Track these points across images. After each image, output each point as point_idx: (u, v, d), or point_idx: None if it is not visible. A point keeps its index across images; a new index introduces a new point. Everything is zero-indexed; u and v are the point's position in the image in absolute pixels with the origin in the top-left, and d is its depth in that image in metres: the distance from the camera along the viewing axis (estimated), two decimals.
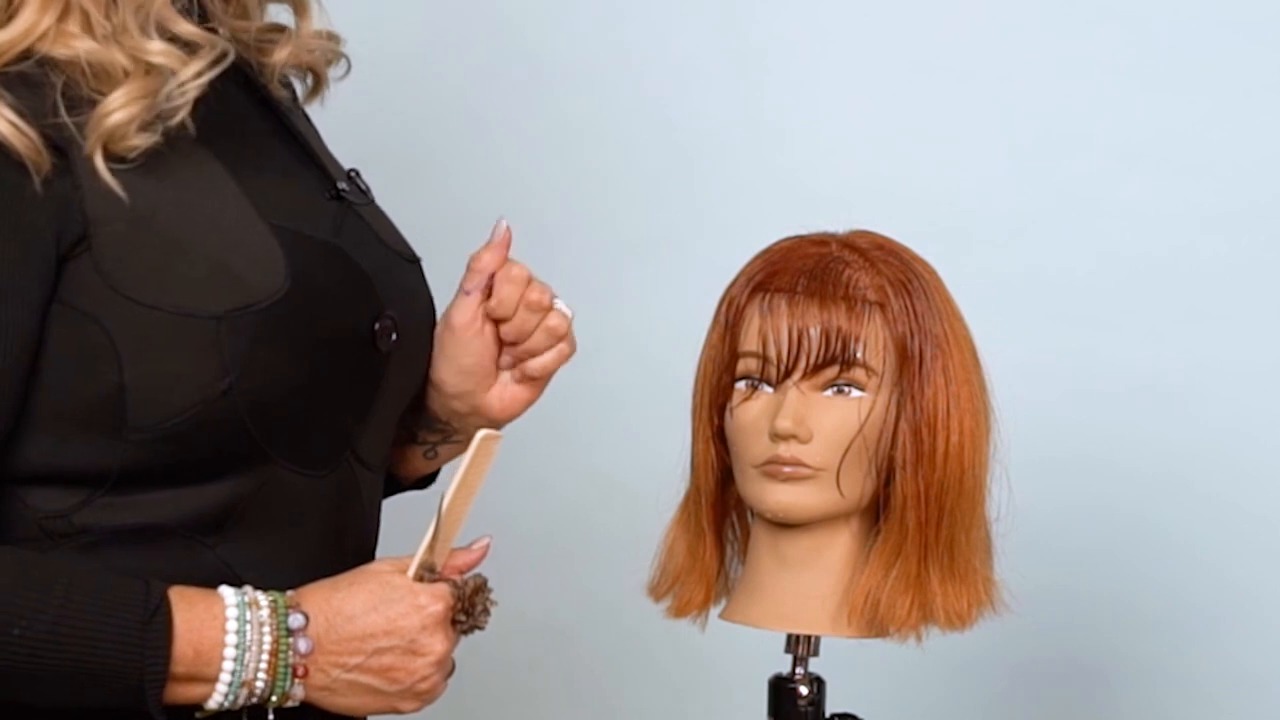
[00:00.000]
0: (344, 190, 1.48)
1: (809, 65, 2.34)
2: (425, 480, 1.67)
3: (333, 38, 1.54)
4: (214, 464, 1.36)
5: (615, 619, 2.27)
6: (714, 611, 1.68)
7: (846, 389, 1.57)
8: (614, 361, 2.34)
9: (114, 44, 1.33)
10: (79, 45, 1.32)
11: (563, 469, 2.38)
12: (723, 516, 1.67)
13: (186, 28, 1.36)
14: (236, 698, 1.32)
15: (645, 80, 2.36)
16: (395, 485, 1.63)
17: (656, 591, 1.70)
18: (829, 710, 1.64)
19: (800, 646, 1.63)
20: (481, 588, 1.41)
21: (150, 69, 1.33)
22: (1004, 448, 1.62)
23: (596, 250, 2.36)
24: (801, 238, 1.63)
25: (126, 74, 1.32)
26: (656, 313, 2.32)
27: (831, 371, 1.57)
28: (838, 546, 1.61)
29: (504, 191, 2.38)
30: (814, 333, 1.56)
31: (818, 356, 1.56)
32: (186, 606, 1.30)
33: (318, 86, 1.55)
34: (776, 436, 1.56)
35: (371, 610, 1.36)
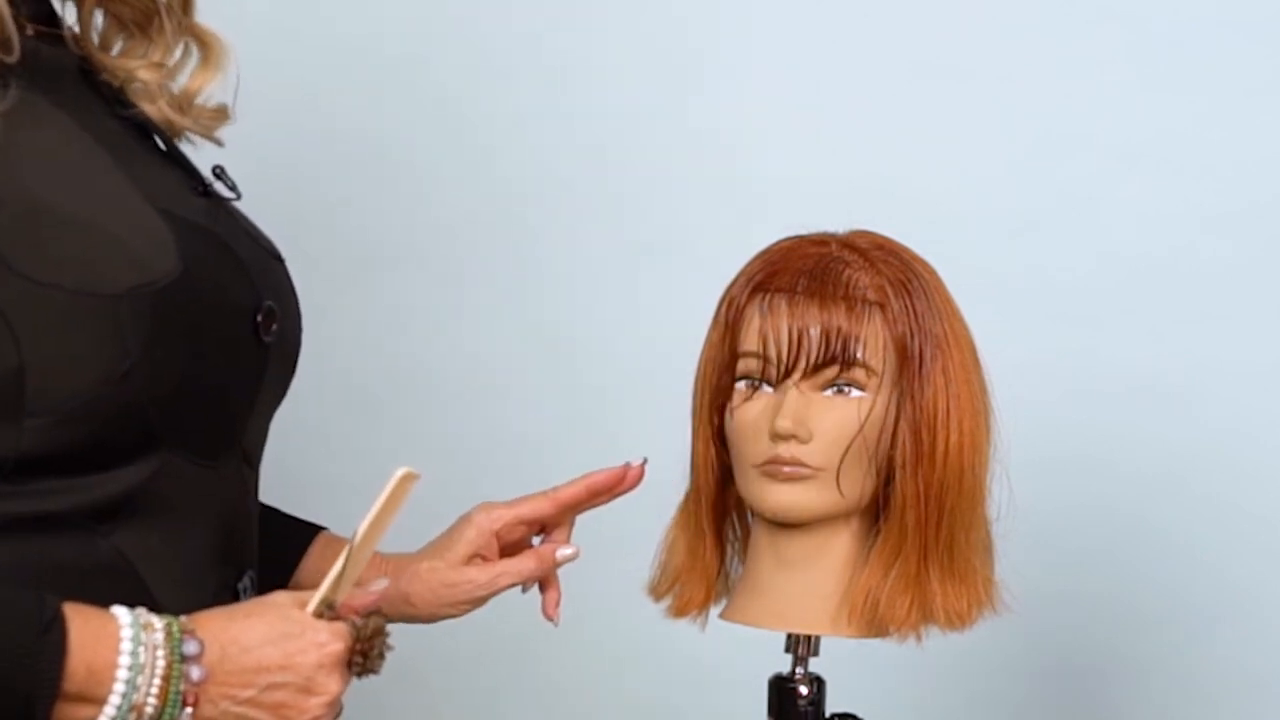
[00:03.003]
0: (211, 187, 1.46)
1: (809, 65, 2.33)
2: None
3: (219, 114, 1.51)
4: (111, 451, 1.33)
5: (615, 619, 2.27)
6: (714, 611, 1.68)
7: (846, 389, 1.57)
8: (614, 361, 2.34)
9: None
10: None
11: (562, 469, 2.37)
12: (723, 516, 1.67)
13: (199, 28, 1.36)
14: (124, 705, 1.27)
15: (645, 80, 2.36)
16: None
17: (656, 591, 1.70)
18: (829, 710, 1.64)
19: (800, 646, 1.64)
20: (380, 630, 1.36)
21: None
22: (1004, 448, 1.62)
23: (596, 251, 2.36)
24: (801, 238, 1.63)
25: None
26: (657, 313, 2.32)
27: (831, 371, 1.57)
28: (838, 546, 1.61)
29: (504, 192, 2.38)
30: (814, 333, 1.56)
31: (818, 356, 1.56)
32: (81, 623, 1.26)
33: (172, 134, 1.50)
34: (776, 436, 1.56)
35: (269, 643, 1.32)
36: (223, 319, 1.39)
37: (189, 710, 1.29)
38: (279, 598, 1.35)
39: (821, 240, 1.62)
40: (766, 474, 1.58)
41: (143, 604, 1.32)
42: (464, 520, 1.64)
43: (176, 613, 1.32)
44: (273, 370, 1.46)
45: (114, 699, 1.26)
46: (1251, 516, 2.28)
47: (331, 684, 1.33)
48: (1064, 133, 2.29)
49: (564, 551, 1.67)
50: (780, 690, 1.64)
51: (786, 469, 1.56)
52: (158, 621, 1.29)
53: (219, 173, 1.48)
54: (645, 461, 1.65)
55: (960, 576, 1.59)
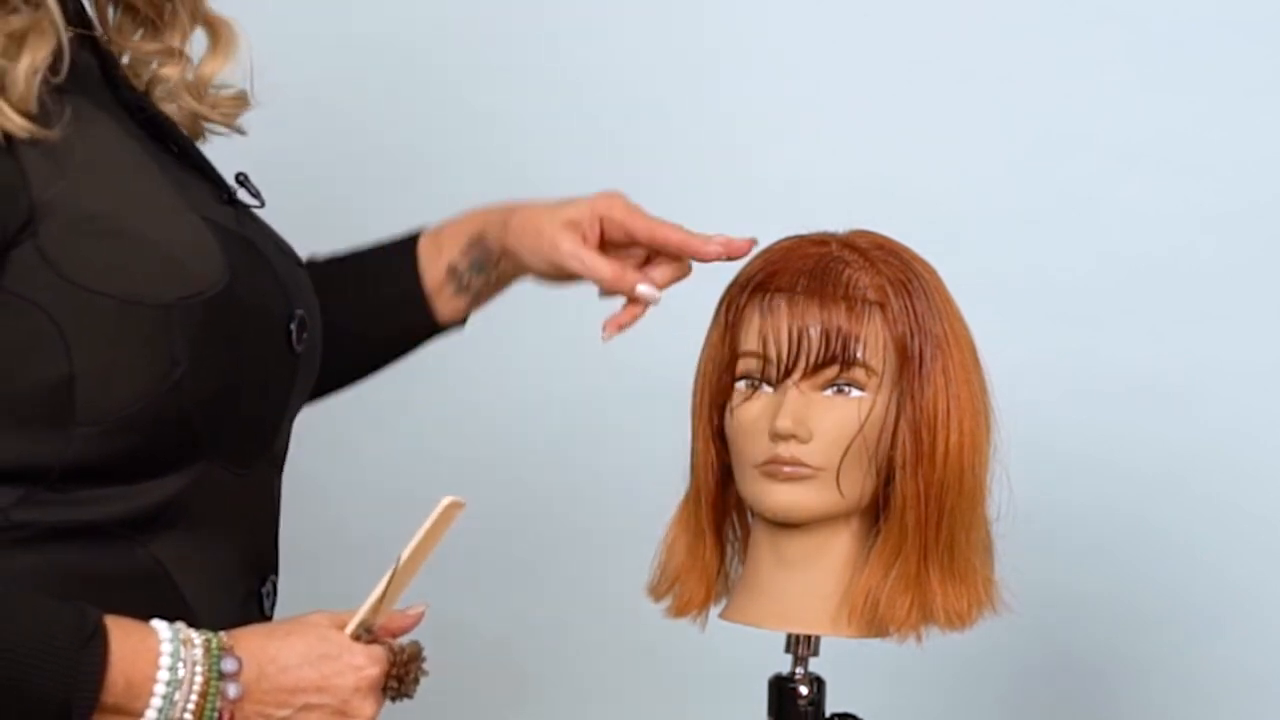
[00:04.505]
0: (235, 194, 1.46)
1: (809, 65, 2.34)
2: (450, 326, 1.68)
3: (239, 101, 1.51)
4: (153, 460, 1.33)
5: (615, 619, 2.27)
6: (714, 611, 1.68)
7: (846, 389, 1.57)
8: (614, 361, 2.34)
9: None
10: None
11: (562, 469, 2.38)
12: (723, 516, 1.67)
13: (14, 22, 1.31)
14: (168, 708, 1.28)
15: (646, 79, 2.36)
16: (425, 329, 1.67)
17: (656, 591, 1.70)
18: (829, 710, 1.64)
19: (800, 646, 1.64)
20: (416, 655, 1.36)
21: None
22: (1004, 448, 1.62)
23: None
24: (801, 238, 1.63)
25: None
26: (657, 312, 2.31)
27: (831, 371, 1.57)
28: (838, 546, 1.61)
29: (503, 192, 2.37)
30: (814, 332, 1.56)
31: (818, 356, 1.56)
32: (122, 636, 1.27)
33: (195, 132, 1.50)
34: (776, 436, 1.56)
35: (306, 664, 1.32)
36: (262, 329, 1.40)
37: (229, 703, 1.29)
38: (317, 618, 1.35)
39: (821, 240, 1.62)
40: (766, 474, 1.57)
41: (177, 610, 1.33)
42: (582, 198, 1.62)
43: (208, 618, 1.33)
44: (301, 378, 1.47)
45: (150, 713, 1.27)
46: (1251, 516, 2.28)
47: (366, 707, 1.33)
48: (1064, 133, 2.29)
49: (644, 288, 1.61)
50: (780, 690, 1.64)
51: (786, 469, 1.56)
52: (197, 637, 1.29)
53: (242, 179, 1.48)
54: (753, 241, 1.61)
55: (960, 576, 1.59)
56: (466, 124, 2.38)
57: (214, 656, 1.29)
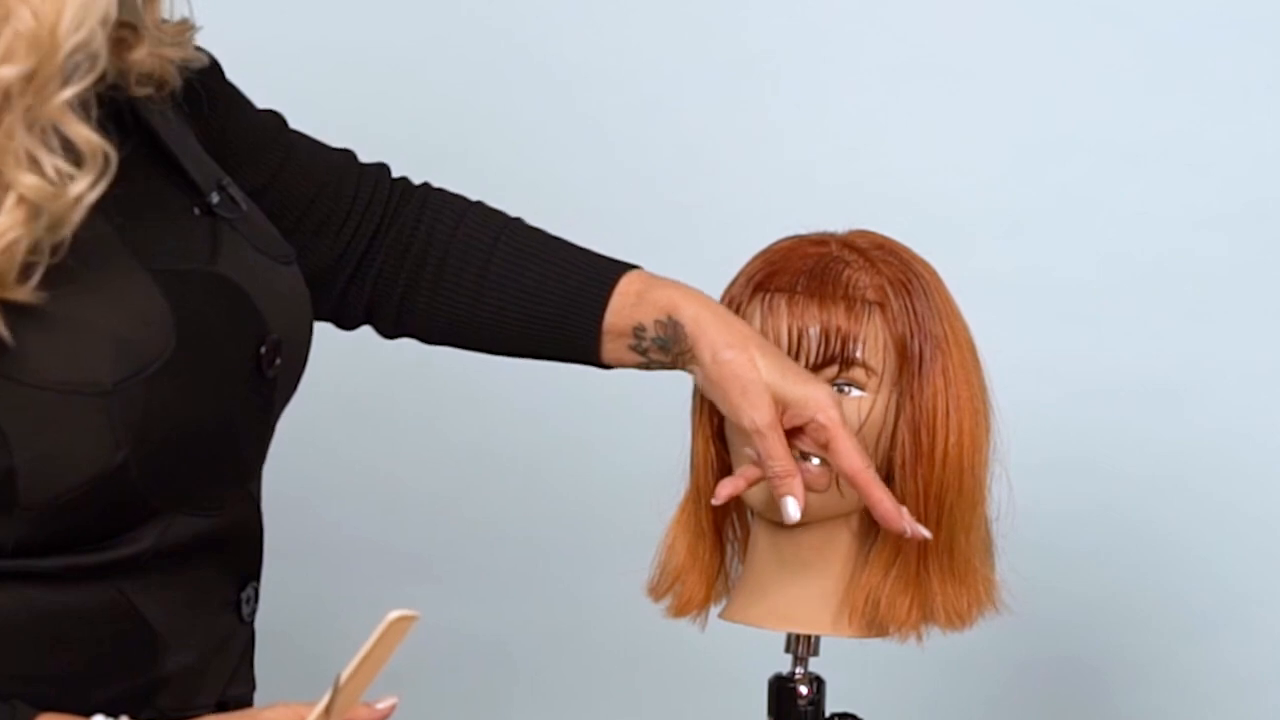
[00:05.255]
0: (214, 204, 1.42)
1: (809, 65, 2.34)
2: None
3: (183, 27, 1.42)
4: (111, 529, 1.31)
5: (615, 619, 2.27)
6: (714, 611, 1.68)
7: (846, 389, 1.57)
8: None
9: None
10: None
11: (562, 469, 2.37)
12: (723, 516, 1.67)
13: (81, 132, 1.27)
14: None
15: (646, 80, 2.36)
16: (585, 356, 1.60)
17: (656, 591, 1.69)
18: (829, 710, 1.64)
19: (800, 646, 1.63)
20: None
21: (20, 200, 1.24)
22: (1004, 448, 1.62)
23: (597, 250, 2.36)
24: (801, 237, 1.63)
25: None
26: None
27: (831, 371, 1.57)
28: (838, 546, 1.61)
29: (503, 191, 2.37)
30: (814, 332, 1.56)
31: (817, 356, 1.56)
32: None
33: (161, 88, 1.42)
34: None
35: None
36: (224, 372, 1.36)
37: None
38: (279, 713, 1.31)
39: (821, 240, 1.62)
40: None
41: (142, 637, 1.32)
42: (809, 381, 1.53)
43: (177, 639, 1.32)
44: (279, 399, 1.43)
45: None
46: (1250, 517, 2.28)
47: None
48: (1064, 133, 2.29)
49: (792, 504, 1.51)
50: (780, 690, 1.64)
51: None
52: None
53: (224, 186, 1.43)
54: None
55: (960, 576, 1.59)
56: (467, 124, 2.38)
57: None
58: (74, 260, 1.28)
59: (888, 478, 1.58)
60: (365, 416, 2.41)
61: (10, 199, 1.24)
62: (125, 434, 1.28)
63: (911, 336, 1.58)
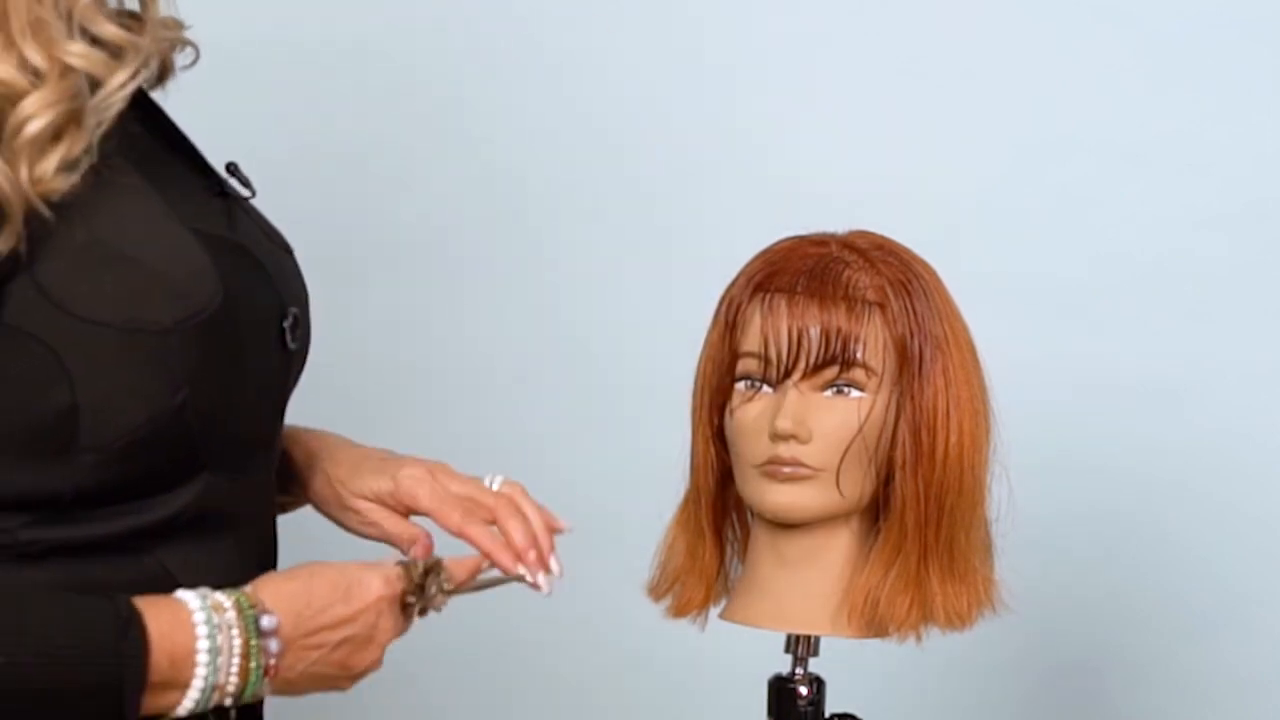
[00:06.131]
0: (227, 185, 1.45)
1: (809, 65, 2.34)
2: None
3: (173, 25, 1.44)
4: (159, 480, 1.33)
5: (615, 619, 2.27)
6: (714, 611, 1.68)
7: (846, 389, 1.57)
8: (614, 361, 2.34)
9: (28, 42, 1.27)
10: None
11: (562, 469, 2.38)
12: (723, 516, 1.67)
13: (110, 29, 1.30)
14: (207, 702, 1.29)
15: (646, 80, 2.36)
16: None
17: (656, 591, 1.70)
18: (829, 710, 1.64)
19: (800, 646, 1.64)
20: (434, 568, 1.38)
21: (66, 71, 1.28)
22: (1004, 448, 1.62)
23: (596, 250, 2.36)
24: (801, 238, 1.63)
25: (38, 77, 1.27)
26: (656, 313, 2.32)
27: (831, 372, 1.57)
28: (838, 546, 1.61)
29: (504, 190, 2.38)
30: (814, 333, 1.56)
31: (817, 356, 1.56)
32: (155, 615, 1.27)
33: (164, 76, 1.45)
34: (776, 437, 1.56)
35: (336, 601, 1.34)
36: (257, 336, 1.39)
37: (267, 682, 1.31)
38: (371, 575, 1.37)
39: (821, 240, 1.62)
40: (766, 474, 1.58)
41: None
42: (395, 468, 1.56)
43: None
44: (295, 373, 1.46)
45: (196, 683, 1.28)
46: (1250, 517, 2.28)
47: (392, 629, 1.37)
48: (1064, 133, 2.29)
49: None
50: (780, 690, 1.64)
51: (786, 469, 1.56)
52: (226, 600, 1.30)
53: (233, 169, 1.46)
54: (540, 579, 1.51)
55: (960, 576, 1.59)
56: (466, 124, 2.38)
57: (248, 617, 1.30)
58: (124, 203, 1.31)
59: (888, 478, 1.59)
60: (365, 416, 2.41)
61: (55, 71, 1.26)
62: (184, 376, 1.30)
63: (911, 337, 1.58)
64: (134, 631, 1.26)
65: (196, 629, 1.28)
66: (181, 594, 1.30)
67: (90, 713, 1.26)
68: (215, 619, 1.29)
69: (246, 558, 1.42)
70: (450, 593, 1.40)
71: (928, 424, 1.58)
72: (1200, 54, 2.28)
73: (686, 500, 1.68)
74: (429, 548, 1.48)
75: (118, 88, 1.30)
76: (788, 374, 1.57)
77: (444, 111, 2.38)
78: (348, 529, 1.56)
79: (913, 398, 1.58)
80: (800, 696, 1.63)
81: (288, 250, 1.49)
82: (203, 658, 1.28)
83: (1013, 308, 2.24)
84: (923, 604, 1.59)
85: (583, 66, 2.36)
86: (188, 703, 1.29)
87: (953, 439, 1.58)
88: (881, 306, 1.57)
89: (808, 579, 1.61)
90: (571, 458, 2.36)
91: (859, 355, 1.56)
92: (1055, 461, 2.24)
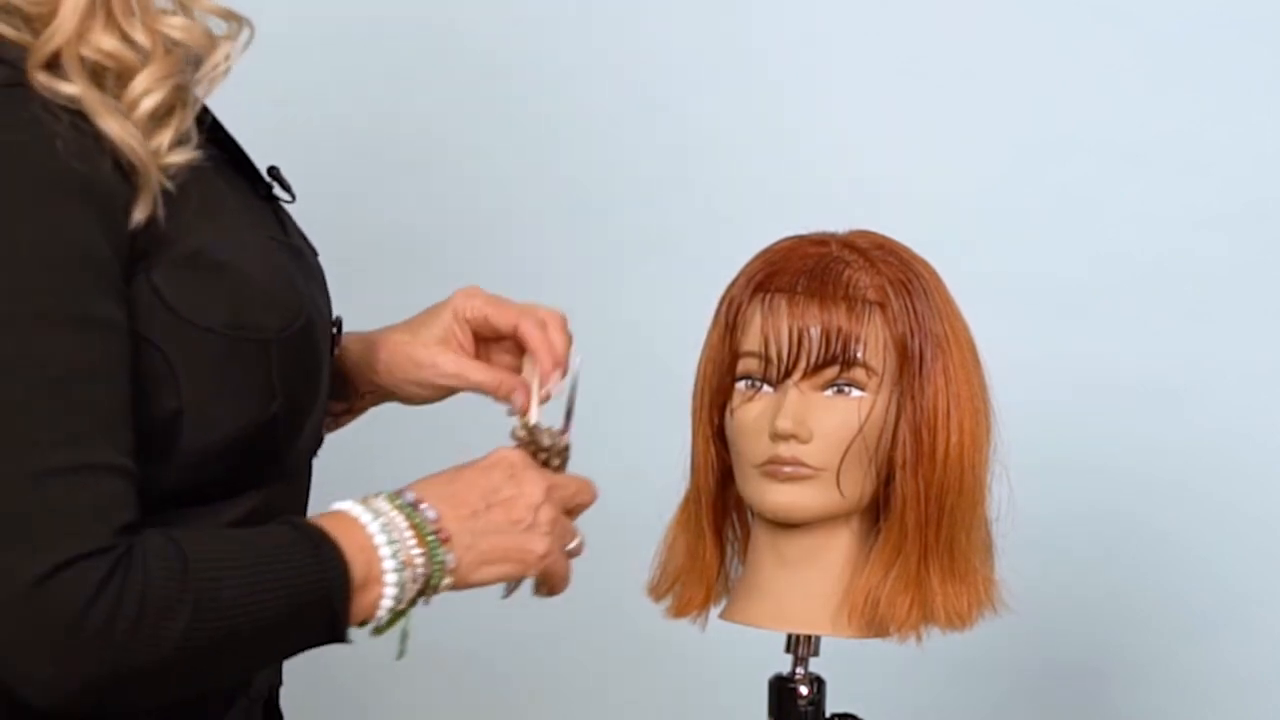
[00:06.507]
0: (272, 190, 1.46)
1: (809, 65, 2.34)
2: None
3: (230, 16, 1.44)
4: (238, 483, 1.34)
5: (615, 619, 2.27)
6: (714, 611, 1.68)
7: (846, 389, 1.57)
8: (614, 361, 2.34)
9: (130, 18, 1.29)
10: (104, 42, 1.27)
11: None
12: (723, 516, 1.67)
13: (214, 4, 1.33)
14: (403, 585, 1.30)
15: (646, 80, 2.36)
16: None
17: (656, 591, 1.70)
18: (829, 710, 1.64)
19: (800, 646, 1.63)
20: (551, 434, 1.46)
21: (171, 46, 1.30)
22: (1004, 448, 1.62)
23: (597, 250, 2.36)
24: (801, 238, 1.63)
25: (143, 53, 1.29)
26: (656, 313, 2.32)
27: (831, 371, 1.57)
28: (838, 546, 1.61)
29: (504, 190, 2.38)
30: (814, 333, 1.56)
31: (818, 356, 1.56)
32: (331, 525, 1.30)
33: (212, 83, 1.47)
34: (777, 436, 1.56)
35: (469, 471, 1.39)
36: (325, 345, 1.41)
37: (447, 548, 1.33)
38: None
39: (821, 240, 1.62)
40: (767, 474, 1.57)
41: None
42: (442, 304, 1.58)
43: None
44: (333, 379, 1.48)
45: (388, 564, 1.30)
46: (1250, 517, 2.28)
47: (538, 483, 1.41)
48: (1064, 133, 2.29)
49: (517, 400, 1.55)
50: (780, 690, 1.64)
51: (787, 469, 1.56)
52: (377, 500, 1.32)
53: (275, 173, 1.46)
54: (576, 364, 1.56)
55: (960, 576, 1.59)
56: (466, 125, 2.38)
57: (393, 497, 1.33)
58: (221, 213, 1.33)
59: (888, 477, 1.59)
60: (364, 416, 2.41)
61: (159, 46, 1.28)
62: (279, 384, 1.32)
63: (912, 336, 1.58)
64: (326, 542, 1.28)
65: (361, 519, 1.31)
66: (339, 505, 1.32)
67: (310, 631, 1.28)
68: (371, 507, 1.32)
69: None
70: (563, 431, 1.48)
71: (928, 424, 1.58)
72: (1200, 54, 2.28)
73: (686, 500, 1.68)
74: (527, 388, 1.50)
75: (220, 62, 1.32)
76: (788, 374, 1.57)
77: (443, 112, 2.38)
78: (428, 391, 1.57)
79: (913, 397, 1.58)
80: (800, 696, 1.63)
81: (315, 254, 1.51)
82: (379, 539, 1.30)
83: (1013, 308, 2.24)
84: (923, 604, 1.59)
85: (582, 67, 2.36)
86: (389, 590, 1.30)
87: (953, 439, 1.58)
88: (882, 306, 1.57)
89: (808, 579, 1.61)
90: (571, 457, 2.36)
91: (859, 355, 1.56)
92: (1055, 461, 2.24)
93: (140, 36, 1.28)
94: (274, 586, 1.26)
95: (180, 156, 1.28)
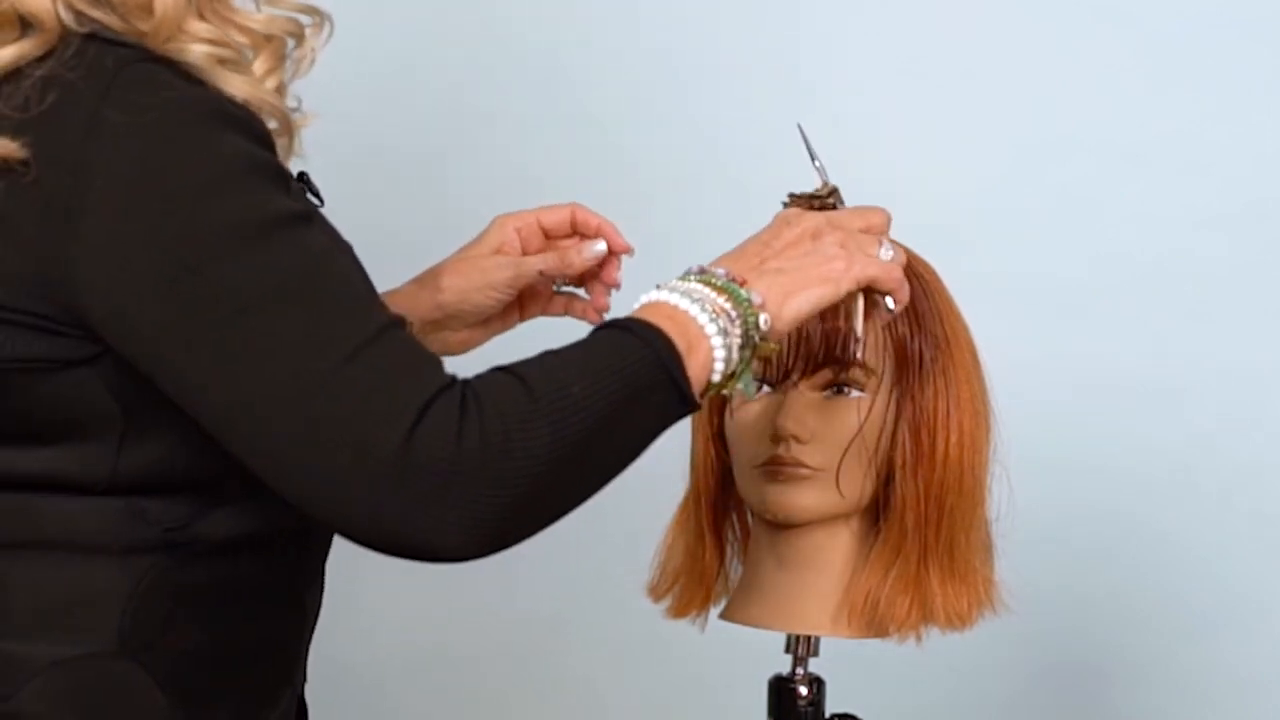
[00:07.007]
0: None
1: (809, 65, 2.34)
2: None
3: (311, 11, 1.47)
4: None
5: (615, 619, 2.27)
6: (714, 611, 1.68)
7: (846, 389, 1.57)
8: None
9: (226, 23, 1.31)
10: (202, 29, 1.29)
11: None
12: (723, 517, 1.67)
13: (291, 0, 1.35)
14: (725, 333, 1.31)
15: (645, 81, 2.36)
16: None
17: (656, 591, 1.70)
18: (829, 710, 1.64)
19: (800, 646, 1.63)
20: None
21: (270, 37, 1.33)
22: (1004, 448, 1.62)
23: None
24: None
25: (248, 49, 1.32)
26: None
27: (831, 372, 1.57)
28: (838, 547, 1.61)
29: (504, 191, 2.37)
30: (814, 333, 1.56)
31: (817, 357, 1.56)
32: (627, 317, 1.32)
33: None
34: (776, 437, 1.56)
35: (738, 247, 1.42)
36: None
37: (750, 289, 1.34)
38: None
39: None
40: (767, 474, 1.57)
41: (298, 618, 1.39)
42: (485, 230, 1.64)
43: (310, 619, 1.40)
44: None
45: (701, 318, 1.32)
46: (1250, 517, 2.28)
47: (810, 220, 1.44)
48: (1064, 133, 2.29)
49: (593, 248, 1.63)
50: (780, 690, 1.64)
51: (787, 469, 1.56)
52: (657, 288, 1.35)
53: (304, 178, 1.48)
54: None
55: (960, 576, 1.59)
56: (467, 125, 2.38)
57: (688, 275, 1.36)
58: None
59: (888, 478, 1.58)
60: None
61: (259, 40, 1.32)
62: None
63: (911, 337, 1.58)
64: (636, 324, 1.30)
65: (657, 297, 1.34)
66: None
67: (660, 410, 1.29)
68: (662, 288, 1.35)
69: (319, 557, 1.44)
70: (824, 180, 1.54)
71: (928, 424, 1.57)
72: (1200, 54, 2.28)
73: (686, 501, 1.68)
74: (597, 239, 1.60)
75: (306, 55, 1.36)
76: (788, 374, 1.57)
77: (442, 111, 2.38)
78: (497, 293, 1.62)
79: (913, 398, 1.58)
80: (800, 696, 1.63)
81: None
82: (682, 303, 1.32)
83: (1013, 308, 2.24)
84: (923, 604, 1.58)
85: (581, 67, 2.36)
86: (716, 341, 1.31)
87: (953, 439, 1.58)
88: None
89: (808, 579, 1.61)
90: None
91: (859, 355, 1.56)
92: (1055, 461, 2.24)
93: (232, 31, 1.31)
94: (614, 374, 1.27)
95: (302, 121, 1.34)
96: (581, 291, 1.66)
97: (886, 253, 1.43)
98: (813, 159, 1.54)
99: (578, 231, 1.63)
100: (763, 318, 1.34)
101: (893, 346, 1.58)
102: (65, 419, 1.27)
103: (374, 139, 2.39)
